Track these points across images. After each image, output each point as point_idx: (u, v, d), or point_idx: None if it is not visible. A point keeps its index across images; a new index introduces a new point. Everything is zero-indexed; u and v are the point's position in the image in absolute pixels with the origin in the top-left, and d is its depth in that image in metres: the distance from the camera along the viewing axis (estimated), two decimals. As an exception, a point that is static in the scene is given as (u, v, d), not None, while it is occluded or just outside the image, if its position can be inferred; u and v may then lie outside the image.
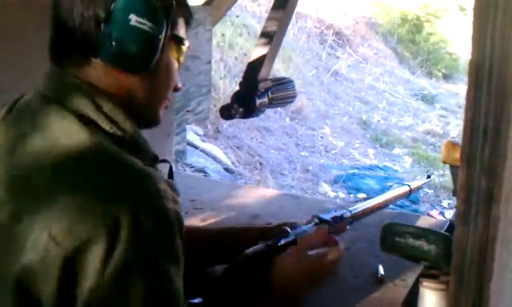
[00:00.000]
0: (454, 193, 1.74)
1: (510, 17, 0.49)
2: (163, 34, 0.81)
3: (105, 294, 0.67)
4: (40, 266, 0.68)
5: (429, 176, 1.63)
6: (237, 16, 6.76)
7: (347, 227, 1.30)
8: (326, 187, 4.90)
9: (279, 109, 5.79)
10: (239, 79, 1.34)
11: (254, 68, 1.31)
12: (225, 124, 5.14)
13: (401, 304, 1.16)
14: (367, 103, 7.90)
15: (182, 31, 0.89)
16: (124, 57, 0.79)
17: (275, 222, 1.21)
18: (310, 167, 5.26)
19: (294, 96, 1.43)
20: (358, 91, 8.14)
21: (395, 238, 0.83)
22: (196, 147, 4.43)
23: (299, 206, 1.74)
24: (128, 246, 0.68)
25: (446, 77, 10.83)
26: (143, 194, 0.72)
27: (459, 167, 0.53)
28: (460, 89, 10.06)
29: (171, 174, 0.89)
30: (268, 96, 1.31)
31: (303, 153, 5.66)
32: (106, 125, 0.79)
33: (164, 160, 0.89)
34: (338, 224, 1.26)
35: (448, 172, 4.84)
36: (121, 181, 0.72)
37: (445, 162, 1.68)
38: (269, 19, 1.37)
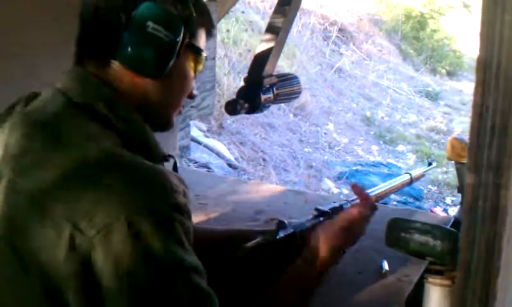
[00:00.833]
0: (459, 190, 1.73)
1: (518, 14, 0.49)
2: (179, 42, 0.84)
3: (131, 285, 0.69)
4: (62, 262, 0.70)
5: (430, 164, 1.59)
6: (242, 12, 6.76)
7: None
8: (329, 184, 4.90)
9: (282, 105, 5.79)
10: (243, 75, 1.34)
11: (259, 63, 1.30)
12: (229, 120, 5.15)
13: (405, 300, 1.17)
14: (371, 100, 7.88)
15: (201, 41, 0.92)
16: (140, 62, 0.83)
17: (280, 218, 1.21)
18: (314, 164, 5.26)
19: (298, 92, 1.42)
20: (362, 88, 8.13)
21: (401, 233, 0.83)
22: (199, 143, 4.44)
23: (303, 202, 1.74)
24: (150, 236, 0.70)
25: (450, 74, 10.80)
26: (158, 188, 0.74)
27: (466, 163, 0.53)
28: (464, 86, 10.03)
29: (175, 170, 0.91)
30: (273, 92, 1.31)
31: (306, 150, 5.66)
32: (120, 125, 0.81)
33: (169, 156, 0.91)
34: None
35: (452, 169, 4.84)
36: (136, 176, 0.74)
37: (450, 159, 1.66)
38: (274, 15, 1.37)
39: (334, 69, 8.01)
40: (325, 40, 8.63)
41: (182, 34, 0.84)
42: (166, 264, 0.71)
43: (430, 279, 0.84)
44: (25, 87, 0.91)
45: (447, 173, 5.14)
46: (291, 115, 6.17)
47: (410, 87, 8.97)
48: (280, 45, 1.35)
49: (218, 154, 4.51)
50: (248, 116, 4.95)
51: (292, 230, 1.10)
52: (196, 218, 1.46)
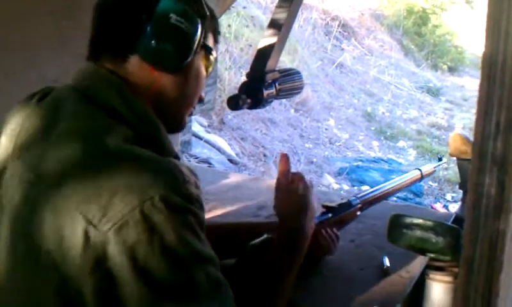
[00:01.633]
0: (461, 186, 1.73)
1: (524, 9, 0.49)
2: (197, 37, 0.86)
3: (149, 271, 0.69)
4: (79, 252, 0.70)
5: (440, 159, 1.56)
6: (244, 7, 6.74)
7: (358, 213, 1.28)
8: (329, 179, 4.90)
9: (284, 100, 5.78)
10: (245, 70, 1.34)
11: (261, 58, 1.30)
12: (230, 115, 5.15)
13: (406, 296, 1.17)
14: (372, 96, 7.88)
15: (210, 43, 0.94)
16: (161, 54, 0.84)
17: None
18: (314, 159, 5.26)
19: (301, 88, 1.42)
20: (363, 83, 8.12)
21: (403, 229, 0.83)
22: (200, 138, 4.44)
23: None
24: (164, 227, 0.70)
25: (451, 70, 10.79)
26: (171, 179, 0.74)
27: (471, 159, 0.53)
28: (465, 82, 10.02)
29: None
30: (275, 87, 1.30)
31: (307, 145, 5.66)
32: (133, 119, 0.81)
33: (177, 157, 0.91)
34: (346, 211, 1.25)
35: (452, 165, 4.84)
36: (148, 169, 0.74)
37: (452, 155, 1.65)
38: (277, 10, 1.36)
39: (335, 64, 8.00)
40: (327, 35, 8.62)
41: (199, 31, 0.86)
42: (183, 255, 0.71)
43: (431, 276, 0.84)
44: (25, 81, 0.91)
45: (448, 169, 5.14)
46: (292, 110, 6.17)
47: (411, 82, 8.96)
48: (282, 40, 1.34)
49: (219, 149, 4.51)
50: (248, 111, 4.95)
51: None
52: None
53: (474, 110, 0.53)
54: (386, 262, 1.27)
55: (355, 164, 5.27)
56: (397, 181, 1.35)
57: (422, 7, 11.10)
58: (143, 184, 0.71)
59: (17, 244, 0.77)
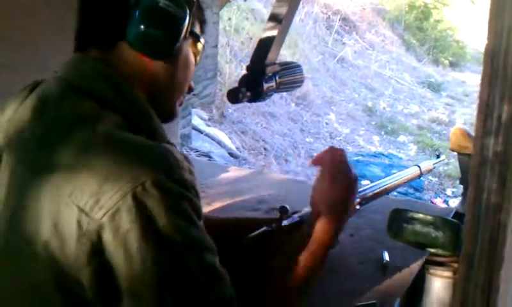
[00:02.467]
0: (461, 181, 1.72)
1: (527, 3, 0.49)
2: (186, 22, 0.85)
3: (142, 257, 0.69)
4: (73, 240, 0.69)
5: (438, 156, 1.54)
6: (245, 0, 6.72)
7: (357, 207, 1.28)
8: (330, 174, 4.88)
9: (284, 94, 5.77)
10: (245, 64, 1.33)
11: (262, 52, 1.29)
12: (230, 109, 5.14)
13: (406, 290, 1.17)
14: (373, 90, 7.86)
15: (198, 31, 0.93)
16: (150, 40, 0.82)
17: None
18: (315, 154, 5.25)
19: (301, 81, 1.41)
20: (364, 78, 8.10)
21: (403, 224, 0.83)
22: (200, 131, 4.43)
23: (305, 191, 1.74)
24: (157, 213, 0.69)
25: (453, 65, 10.75)
26: (163, 164, 0.73)
27: (472, 154, 0.53)
28: (467, 77, 10.00)
29: None
30: (276, 80, 1.30)
31: (307, 139, 5.65)
32: (123, 106, 0.81)
33: (170, 143, 0.90)
34: None
35: (453, 160, 4.84)
36: (140, 154, 0.73)
37: (453, 150, 1.65)
38: (277, 3, 1.35)
39: (336, 58, 7.98)
40: (328, 29, 8.59)
41: (188, 16, 0.85)
42: (176, 242, 0.70)
43: (431, 270, 0.84)
44: (25, 73, 0.90)
45: (448, 164, 5.13)
46: (293, 104, 6.16)
47: (412, 77, 8.94)
48: (283, 33, 1.33)
49: (219, 143, 4.51)
50: (249, 105, 4.95)
51: (298, 219, 1.09)
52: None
53: (475, 106, 0.53)
54: (386, 257, 1.27)
55: (355, 158, 5.27)
56: (395, 177, 1.35)
57: (424, 1, 11.05)
58: (135, 169, 0.70)
59: (10, 240, 0.77)
